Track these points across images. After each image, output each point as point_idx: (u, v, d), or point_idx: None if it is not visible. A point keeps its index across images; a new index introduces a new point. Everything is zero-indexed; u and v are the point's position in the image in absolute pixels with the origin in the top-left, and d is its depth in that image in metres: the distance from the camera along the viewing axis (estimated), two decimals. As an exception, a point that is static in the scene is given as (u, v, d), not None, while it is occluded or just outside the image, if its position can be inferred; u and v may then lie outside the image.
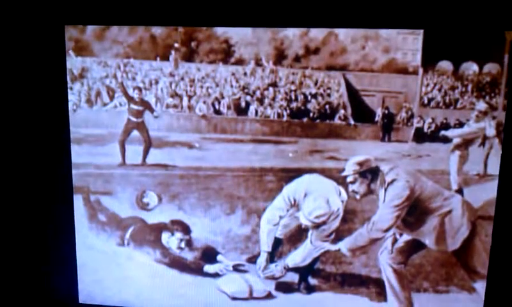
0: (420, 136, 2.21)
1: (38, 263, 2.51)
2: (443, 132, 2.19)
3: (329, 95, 2.28)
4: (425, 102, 2.21)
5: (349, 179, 2.23)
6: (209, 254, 2.43)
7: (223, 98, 2.34)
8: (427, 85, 2.20)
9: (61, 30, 2.24)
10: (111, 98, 2.37)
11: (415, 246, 2.27)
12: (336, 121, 2.29)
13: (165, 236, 2.45)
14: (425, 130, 2.21)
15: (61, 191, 2.41)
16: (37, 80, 2.28)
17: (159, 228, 2.45)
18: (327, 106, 2.29)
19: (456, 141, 2.19)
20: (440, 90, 2.20)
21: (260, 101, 2.33)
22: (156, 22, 2.19)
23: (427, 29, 2.07)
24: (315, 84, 2.27)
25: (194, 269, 2.45)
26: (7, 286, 2.54)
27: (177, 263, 2.46)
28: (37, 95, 2.30)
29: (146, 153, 2.38)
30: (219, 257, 2.43)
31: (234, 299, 2.43)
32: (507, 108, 2.07)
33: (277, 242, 2.38)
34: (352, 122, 2.28)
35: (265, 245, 2.37)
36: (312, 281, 2.38)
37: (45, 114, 2.34)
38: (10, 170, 2.41)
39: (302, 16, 2.10)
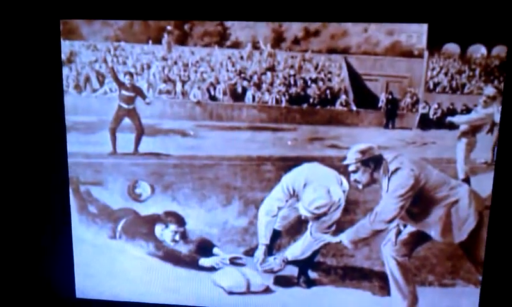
0: (426, 123, 2.17)
1: (33, 258, 2.50)
2: (449, 119, 2.15)
3: (330, 80, 2.23)
4: (431, 86, 2.15)
5: (351, 168, 2.19)
6: (205, 247, 2.40)
7: (218, 83, 2.29)
8: (433, 69, 2.14)
9: (56, 24, 2.22)
10: (101, 83, 2.32)
11: (420, 238, 2.23)
12: (338, 107, 2.24)
13: (158, 229, 2.42)
14: (431, 116, 2.16)
15: (56, 184, 2.39)
16: (32, 75, 2.27)
17: (152, 220, 2.41)
18: (328, 91, 2.24)
19: (463, 127, 2.14)
20: (446, 74, 2.14)
21: (258, 86, 2.28)
22: (155, 16, 2.18)
23: (432, 19, 2.04)
24: (316, 68, 2.22)
25: (189, 263, 2.42)
26: (3, 281, 2.53)
27: (171, 257, 2.43)
28: (32, 94, 2.29)
29: (138, 141, 2.33)
30: (215, 250, 2.40)
31: (231, 293, 2.40)
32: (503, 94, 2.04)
33: (275, 234, 2.35)
34: (354, 108, 2.23)
35: (263, 238, 2.34)
36: (312, 274, 2.35)
37: (40, 109, 2.33)
38: (6, 165, 2.40)
39: (302, 9, 2.09)
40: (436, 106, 2.16)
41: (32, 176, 2.38)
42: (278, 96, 2.27)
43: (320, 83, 2.24)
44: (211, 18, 2.15)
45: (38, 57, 2.24)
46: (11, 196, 2.42)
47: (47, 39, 2.22)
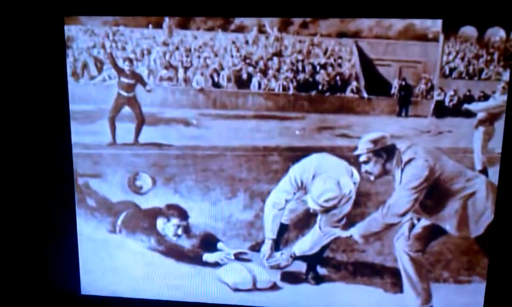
0: (441, 110, 2.12)
1: (37, 254, 2.49)
2: (466, 106, 2.10)
3: (340, 65, 2.18)
4: (447, 72, 2.11)
5: (362, 158, 2.16)
6: (209, 242, 2.37)
7: (222, 69, 2.24)
8: (449, 53, 2.09)
9: (60, 22, 2.21)
10: (99, 70, 2.27)
11: (435, 232, 2.20)
12: (348, 94, 2.19)
13: (160, 223, 2.39)
14: (447, 103, 2.12)
15: (60, 178, 2.37)
16: (36, 73, 2.26)
17: (154, 214, 2.38)
18: (338, 77, 2.19)
19: (481, 115, 2.08)
20: (462, 59, 2.09)
21: (264, 72, 2.23)
22: (160, 12, 2.16)
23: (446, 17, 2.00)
24: (325, 53, 2.17)
25: (193, 258, 2.39)
26: (8, 277, 2.53)
27: (174, 252, 2.40)
28: (37, 88, 2.28)
29: (138, 131, 2.29)
30: (219, 245, 2.36)
31: (236, 290, 2.38)
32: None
33: (283, 228, 2.31)
34: (365, 95, 2.17)
35: (270, 232, 2.31)
36: (321, 270, 2.32)
37: (44, 103, 2.31)
38: (12, 162, 2.40)
39: (312, 4, 2.07)
40: (452, 93, 2.11)
41: (36, 172, 2.38)
42: (285, 83, 2.22)
43: (330, 69, 2.19)
44: (214, 14, 2.15)
45: (42, 55, 2.25)
46: (14, 193, 2.42)
47: (51, 39, 2.23)
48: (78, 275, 2.46)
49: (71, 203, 2.38)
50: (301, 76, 2.21)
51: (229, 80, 2.25)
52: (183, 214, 2.35)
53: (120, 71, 2.26)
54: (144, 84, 2.26)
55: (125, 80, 2.27)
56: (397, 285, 2.27)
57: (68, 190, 2.36)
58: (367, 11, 2.04)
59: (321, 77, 2.20)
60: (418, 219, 2.20)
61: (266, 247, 2.32)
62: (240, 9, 2.10)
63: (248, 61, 2.23)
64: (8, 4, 2.16)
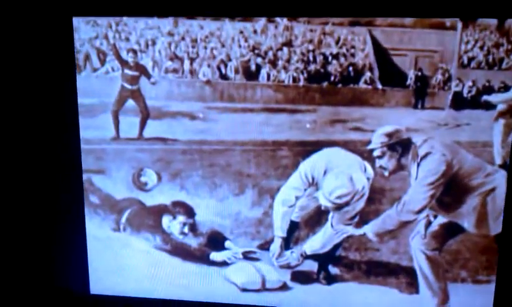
0: (459, 102, 2.09)
1: (45, 253, 2.49)
2: (485, 97, 2.06)
3: (353, 55, 2.15)
4: (465, 61, 2.08)
5: (376, 153, 2.13)
6: (216, 240, 2.35)
7: (229, 60, 2.22)
8: (467, 42, 2.06)
9: (68, 22, 2.21)
10: (102, 62, 2.26)
11: (452, 230, 2.17)
12: (362, 85, 2.16)
13: (166, 220, 2.37)
14: (465, 94, 2.09)
15: (70, 177, 2.37)
16: (44, 72, 2.26)
17: (159, 211, 2.36)
18: (350, 68, 2.16)
19: (501, 107, 2.05)
20: (482, 48, 2.05)
21: (273, 63, 2.20)
22: (169, 13, 2.17)
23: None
24: (337, 42, 2.15)
25: (199, 257, 2.37)
26: (16, 277, 2.54)
27: (180, 251, 2.38)
28: (46, 90, 2.29)
29: (143, 125, 2.27)
30: (227, 243, 2.34)
31: (244, 290, 2.35)
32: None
33: (293, 226, 2.29)
34: (379, 86, 2.15)
35: (280, 230, 2.28)
36: (333, 270, 2.30)
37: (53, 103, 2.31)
38: (18, 163, 2.40)
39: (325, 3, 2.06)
40: (470, 83, 2.08)
41: (44, 171, 2.39)
42: (295, 74, 2.19)
43: (342, 59, 2.16)
44: (221, 15, 2.15)
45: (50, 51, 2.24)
46: (22, 191, 2.42)
47: (60, 39, 2.23)
48: (87, 275, 2.46)
49: (79, 201, 2.38)
50: (312, 67, 2.18)
51: (237, 71, 2.22)
52: (189, 211, 2.34)
53: (124, 63, 2.25)
54: (148, 76, 2.24)
55: (128, 72, 2.25)
56: (412, 285, 2.24)
57: (76, 188, 2.36)
58: (381, 10, 2.04)
59: (333, 67, 2.17)
60: (435, 216, 2.17)
61: (276, 246, 2.30)
62: (246, 8, 2.11)
63: (256, 51, 2.21)
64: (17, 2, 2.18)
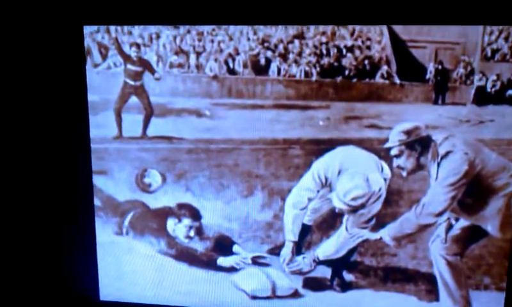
0: (482, 97, 2.06)
1: (54, 258, 2.50)
2: (510, 92, 2.03)
3: (368, 48, 2.14)
4: (489, 54, 2.04)
5: (394, 152, 2.10)
6: (223, 245, 2.34)
7: (238, 54, 2.21)
8: (491, 33, 2.02)
9: (79, 30, 2.23)
10: (104, 57, 2.26)
11: (475, 234, 2.13)
12: (378, 80, 2.14)
13: (171, 223, 2.37)
14: (489, 89, 2.06)
15: (79, 181, 2.38)
16: (55, 82, 2.28)
17: (164, 214, 2.36)
18: (366, 61, 2.15)
19: None
20: (506, 39, 2.01)
21: (284, 57, 2.20)
22: (178, 21, 2.18)
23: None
24: (352, 34, 2.14)
25: (206, 262, 2.36)
26: (24, 281, 2.55)
27: (186, 255, 2.38)
28: (56, 102, 2.30)
29: (146, 123, 2.28)
30: (235, 248, 2.33)
31: (254, 298, 2.33)
32: None
33: (305, 230, 2.28)
34: (397, 81, 2.13)
35: (291, 234, 2.27)
36: (348, 276, 2.28)
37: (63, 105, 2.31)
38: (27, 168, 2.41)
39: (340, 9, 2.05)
40: (494, 77, 2.06)
41: (53, 174, 2.39)
42: (307, 69, 2.20)
43: (358, 52, 2.15)
44: (227, 22, 2.16)
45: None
46: (29, 193, 2.43)
47: (71, 48, 2.25)
48: (97, 280, 2.47)
49: (90, 205, 2.39)
50: (325, 60, 2.18)
51: (245, 66, 2.22)
52: (195, 214, 2.34)
53: (127, 58, 2.24)
54: (152, 71, 2.25)
55: (131, 67, 2.25)
56: (432, 293, 2.21)
57: (86, 191, 2.37)
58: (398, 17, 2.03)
59: (348, 61, 2.16)
60: (457, 219, 2.14)
61: (287, 251, 2.28)
62: (253, 15, 2.11)
63: (266, 44, 2.20)
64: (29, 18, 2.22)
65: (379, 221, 2.18)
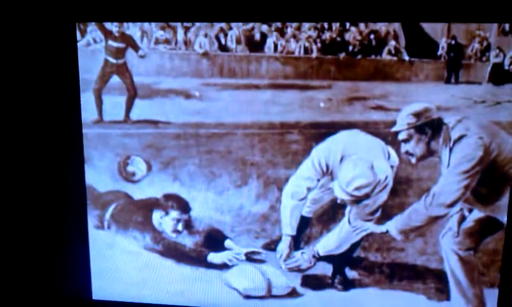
0: (499, 75, 1.98)
1: (47, 258, 2.46)
2: None
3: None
4: (506, 28, 1.95)
5: (402, 136, 2.05)
6: (214, 239, 2.29)
7: (230, 29, 2.15)
8: None
9: (72, 27, 2.20)
10: (82, 33, 2.19)
11: (490, 226, 2.08)
12: (385, 56, 2.07)
13: (157, 216, 2.32)
14: (506, 66, 1.98)
15: (72, 184, 2.34)
16: (47, 75, 2.23)
17: (149, 205, 2.31)
18: (372, 36, 2.07)
19: None
20: None
21: (281, 31, 2.12)
22: (174, 18, 2.14)
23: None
24: None
25: (196, 259, 2.32)
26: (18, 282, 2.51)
27: (173, 251, 2.33)
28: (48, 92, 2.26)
29: (129, 105, 2.22)
30: (227, 243, 2.29)
31: (247, 297, 2.29)
32: None
33: (304, 223, 2.22)
34: (406, 57, 2.06)
35: (288, 227, 2.22)
36: (350, 273, 2.23)
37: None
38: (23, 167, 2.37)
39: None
40: None
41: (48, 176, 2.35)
42: (307, 44, 2.11)
43: (362, 25, 2.07)
44: (221, 20, 2.12)
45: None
46: (23, 193, 2.39)
47: (63, 44, 2.22)
48: (90, 281, 2.43)
49: (81, 203, 2.36)
50: (326, 35, 2.10)
51: (239, 41, 2.16)
52: (184, 206, 2.29)
53: (108, 33, 2.19)
54: (136, 48, 2.19)
55: (113, 43, 2.20)
56: (442, 291, 2.17)
57: (78, 189, 2.33)
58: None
59: (351, 35, 2.09)
60: (470, 211, 2.09)
61: (284, 246, 2.24)
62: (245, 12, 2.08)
63: None
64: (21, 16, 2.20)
65: (385, 213, 2.14)
